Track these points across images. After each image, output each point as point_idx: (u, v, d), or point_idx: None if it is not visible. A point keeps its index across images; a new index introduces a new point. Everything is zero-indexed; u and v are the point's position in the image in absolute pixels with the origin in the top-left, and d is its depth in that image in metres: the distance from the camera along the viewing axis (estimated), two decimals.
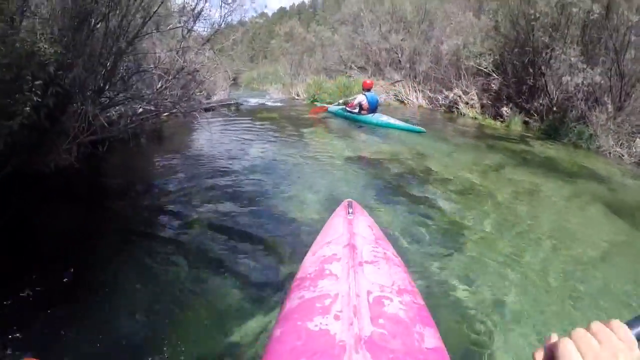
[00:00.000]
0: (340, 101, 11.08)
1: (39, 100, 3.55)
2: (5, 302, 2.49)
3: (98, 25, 4.71)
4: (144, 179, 5.53)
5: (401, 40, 16.58)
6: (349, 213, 2.21)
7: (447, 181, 5.52)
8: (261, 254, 3.33)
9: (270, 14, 55.98)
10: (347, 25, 20.50)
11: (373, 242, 1.95)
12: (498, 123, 11.26)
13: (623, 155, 8.14)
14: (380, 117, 9.63)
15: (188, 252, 3.28)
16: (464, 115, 12.47)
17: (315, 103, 13.00)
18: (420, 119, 12.17)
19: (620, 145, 8.37)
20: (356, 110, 9.93)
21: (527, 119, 10.84)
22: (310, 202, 4.48)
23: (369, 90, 9.88)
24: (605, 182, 6.35)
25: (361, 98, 9.75)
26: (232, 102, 13.34)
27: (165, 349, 2.22)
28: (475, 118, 11.99)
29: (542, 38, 10.18)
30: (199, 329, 2.41)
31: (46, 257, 3.06)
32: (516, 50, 11.60)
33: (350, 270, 1.59)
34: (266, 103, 16.24)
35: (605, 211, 4.97)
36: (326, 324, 1.29)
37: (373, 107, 9.75)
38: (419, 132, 8.91)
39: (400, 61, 16.45)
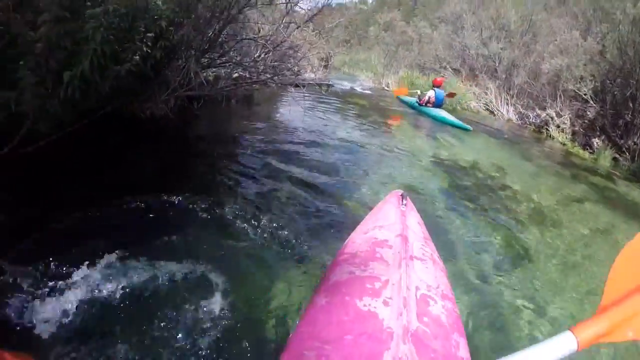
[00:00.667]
0: (418, 93, 12.10)
1: (148, 51, 3.83)
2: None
3: None
4: (229, 137, 6.01)
5: (500, 48, 16.60)
6: (402, 204, 2.23)
7: (520, 201, 5.48)
8: (312, 218, 3.54)
9: (369, 1, 55.97)
10: (447, 24, 20.55)
11: (422, 239, 2.00)
12: (586, 154, 11.25)
13: None
14: (440, 112, 10.63)
15: (250, 204, 3.52)
16: (552, 138, 12.51)
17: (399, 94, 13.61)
18: (507, 132, 12.39)
19: None
20: (423, 103, 11.07)
21: (617, 155, 10.74)
22: (373, 188, 4.64)
23: (438, 87, 11.08)
24: None
25: (430, 93, 10.95)
26: (323, 82, 13.81)
27: (217, 295, 2.26)
28: (564, 144, 12.01)
29: None
30: (248, 279, 2.50)
31: (135, 191, 3.23)
32: (619, 80, 11.46)
33: (402, 262, 1.62)
34: (356, 88, 16.53)
35: None
36: (375, 307, 1.33)
37: (439, 103, 10.87)
38: (466, 129, 9.94)
39: (496, 70, 16.52)
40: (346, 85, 16.68)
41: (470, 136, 9.88)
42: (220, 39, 6.09)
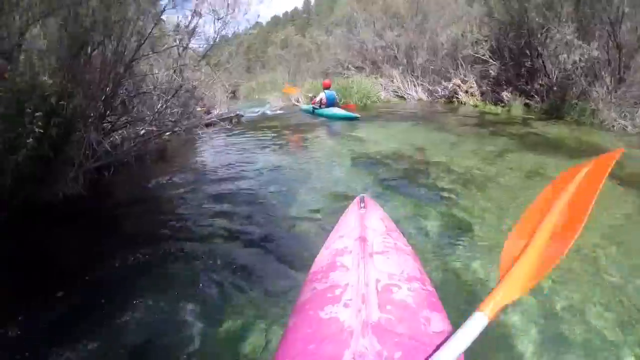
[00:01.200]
0: (310, 95, 13.08)
1: (42, 131, 3.64)
2: (14, 326, 2.51)
3: (94, 52, 4.82)
4: (151, 199, 5.51)
5: (396, 36, 16.59)
6: (360, 207, 2.26)
7: (452, 171, 5.37)
8: (276, 256, 3.31)
9: (264, 22, 55.72)
10: (342, 26, 20.57)
11: (384, 233, 2.00)
12: (499, 108, 11.23)
13: (627, 127, 8.08)
14: (332, 110, 11.03)
15: (203, 265, 3.22)
16: (464, 104, 12.48)
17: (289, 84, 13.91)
18: (420, 111, 12.20)
19: (624, 117, 8.30)
20: (317, 106, 11.48)
21: (528, 101, 10.83)
22: (319, 202, 4.46)
23: (328, 88, 11.62)
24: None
25: (322, 95, 11.40)
26: (232, 115, 13.39)
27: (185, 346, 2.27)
28: (476, 106, 12.00)
29: (537, 19, 10.16)
30: (219, 331, 2.43)
31: (57, 282, 3.03)
32: (511, 34, 11.62)
33: (361, 261, 1.62)
34: (267, 112, 16.16)
35: (614, 185, 4.72)
36: (336, 312, 1.33)
37: (330, 103, 11.24)
38: (354, 118, 10.32)
39: (396, 57, 16.48)
40: (257, 111, 16.32)
41: (386, 125, 9.62)
42: (118, 98, 5.88)
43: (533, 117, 9.76)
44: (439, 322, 1.34)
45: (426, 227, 3.69)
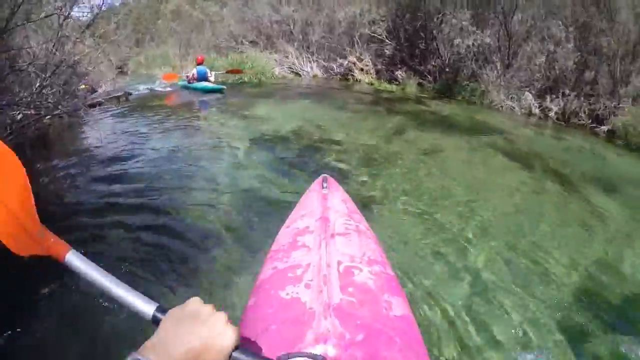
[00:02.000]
0: (184, 76, 12.65)
1: None
2: None
3: None
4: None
5: (292, 11, 15.91)
6: (323, 187, 2.21)
7: (352, 150, 5.12)
8: (171, 248, 2.96)
9: None
10: None
11: (346, 215, 1.96)
12: (394, 86, 11.13)
13: (514, 108, 8.29)
14: (202, 84, 11.38)
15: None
16: (359, 81, 12.22)
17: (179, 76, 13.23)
18: (316, 88, 11.75)
19: (511, 99, 8.51)
20: (190, 81, 11.71)
21: (421, 80, 10.84)
22: (217, 188, 4.01)
23: (200, 64, 11.87)
24: (501, 133, 6.38)
25: (193, 70, 11.77)
26: (120, 94, 12.03)
27: None
28: (371, 83, 11.78)
29: (434, 3, 10.17)
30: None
31: None
32: (408, 15, 11.56)
33: (322, 242, 1.59)
34: (157, 89, 15.01)
35: (503, 159, 5.06)
36: (297, 293, 1.32)
37: (201, 77, 11.55)
38: (219, 89, 10.78)
39: (292, 32, 15.85)
40: (147, 87, 15.00)
41: (283, 102, 9.07)
42: None
43: (427, 96, 9.74)
44: (399, 306, 1.34)
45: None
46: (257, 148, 5.27)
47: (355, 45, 12.68)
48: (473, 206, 3.55)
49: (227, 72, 12.62)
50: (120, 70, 24.94)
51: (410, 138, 5.79)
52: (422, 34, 10.98)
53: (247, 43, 17.08)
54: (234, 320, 1.92)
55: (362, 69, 12.21)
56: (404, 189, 3.86)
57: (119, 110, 9.32)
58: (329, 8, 14.62)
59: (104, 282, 0.82)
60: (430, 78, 10.64)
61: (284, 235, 1.89)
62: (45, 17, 5.90)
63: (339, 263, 1.46)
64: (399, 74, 11.26)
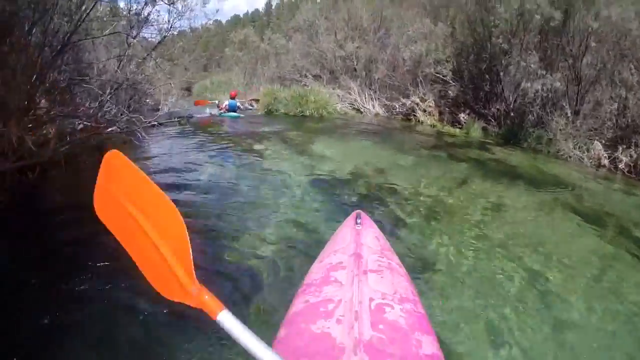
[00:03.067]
0: (217, 102, 15.25)
1: None
2: None
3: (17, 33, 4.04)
4: (81, 207, 4.67)
5: (357, 47, 16.26)
6: (357, 223, 2.25)
7: (414, 200, 5.00)
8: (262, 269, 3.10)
9: (224, 21, 55.77)
10: (302, 32, 20.12)
11: (379, 252, 2.00)
12: (457, 130, 11.09)
13: (583, 159, 8.07)
14: (232, 114, 13.58)
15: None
16: (422, 122, 12.24)
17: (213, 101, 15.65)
18: (377, 127, 11.84)
19: (579, 148, 8.29)
20: (223, 111, 13.89)
21: (485, 125, 10.70)
22: (269, 225, 3.97)
23: (232, 98, 14.18)
24: (569, 187, 6.23)
25: (226, 103, 14.07)
26: (182, 116, 12.77)
27: None
28: (434, 125, 11.79)
29: (502, 44, 10.08)
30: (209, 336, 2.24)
31: None
32: (472, 57, 11.52)
33: (355, 278, 1.62)
34: (216, 114, 15.65)
35: (572, 218, 4.83)
36: (328, 327, 1.34)
37: (232, 109, 13.84)
38: (237, 117, 13.25)
39: (355, 69, 16.17)
40: (209, 112, 15.59)
41: (343, 139, 9.21)
42: (42, 88, 4.82)
43: (491, 141, 9.64)
44: (429, 345, 1.34)
45: None
46: (310, 188, 5.30)
47: (419, 85, 12.75)
48: (543, 275, 3.31)
49: (252, 100, 15.66)
50: (187, 91, 26.06)
51: (473, 190, 5.70)
52: (487, 75, 10.90)
53: (310, 76, 17.58)
54: None
55: (424, 110, 12.24)
56: (464, 249, 3.66)
57: (177, 132, 9.75)
58: (393, 46, 14.85)
59: (255, 346, 0.85)
60: (494, 122, 10.51)
61: (317, 270, 1.93)
62: (111, 34, 6.55)
63: (371, 300, 1.49)
64: (462, 117, 11.22)
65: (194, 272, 0.96)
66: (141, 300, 2.54)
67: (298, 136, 9.50)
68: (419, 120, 12.40)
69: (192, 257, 0.97)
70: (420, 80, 12.79)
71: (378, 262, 1.86)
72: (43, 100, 5.14)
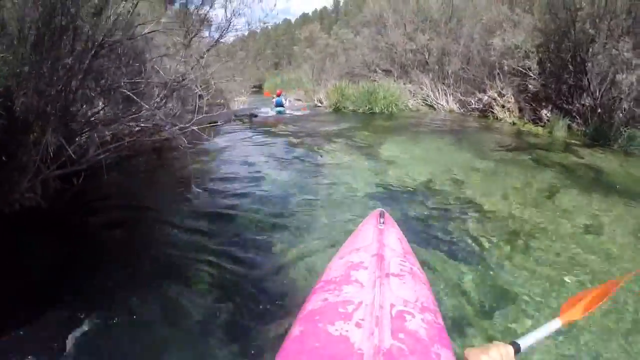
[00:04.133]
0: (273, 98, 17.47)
1: None
2: None
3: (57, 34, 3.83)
4: (139, 208, 4.91)
5: (428, 40, 15.82)
6: (380, 223, 2.22)
7: (492, 215, 4.68)
8: (284, 259, 3.41)
9: (292, 20, 58.23)
10: (370, 26, 19.83)
11: (401, 255, 1.98)
12: (539, 128, 10.47)
13: None
14: (278, 109, 15.55)
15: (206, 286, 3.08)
16: (500, 120, 11.71)
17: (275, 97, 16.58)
18: (451, 125, 11.51)
19: None
20: (273, 106, 15.91)
21: (570, 122, 10.03)
22: (331, 231, 4.04)
23: (279, 96, 16.28)
24: None
25: (274, 100, 16.23)
26: (246, 114, 13.25)
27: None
28: (513, 123, 11.25)
29: (589, 29, 9.35)
30: (215, 333, 2.53)
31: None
32: (553, 45, 10.81)
33: (377, 281, 1.61)
34: (287, 111, 15.90)
35: None
36: (347, 330, 1.31)
37: (278, 105, 15.84)
38: (283, 112, 15.23)
39: (427, 62, 15.75)
40: (269, 111, 16.13)
41: (415, 140, 9.01)
42: (80, 92, 4.71)
43: (577, 142, 9.02)
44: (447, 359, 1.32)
45: (460, 288, 3.13)
46: (375, 197, 5.11)
47: (496, 78, 12.17)
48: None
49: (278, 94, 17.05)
50: (258, 89, 26.80)
51: (561, 204, 5.20)
52: (570, 66, 10.19)
53: (380, 71, 17.39)
54: (273, 347, 1.99)
55: (502, 106, 11.68)
56: (554, 282, 3.25)
57: (241, 130, 10.05)
58: (468, 37, 14.27)
59: None
60: (579, 120, 9.81)
61: (336, 267, 1.89)
62: (158, 31, 6.17)
63: (392, 306, 1.46)
64: (544, 113, 10.59)
65: None
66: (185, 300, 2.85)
67: (366, 136, 9.46)
68: (496, 117, 11.86)
69: None
70: (498, 73, 12.15)
71: (400, 265, 1.84)
72: (100, 104, 5.27)
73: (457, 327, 2.62)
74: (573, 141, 9.10)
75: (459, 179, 6.06)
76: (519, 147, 8.72)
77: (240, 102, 19.12)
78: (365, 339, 1.24)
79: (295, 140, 8.97)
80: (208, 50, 7.76)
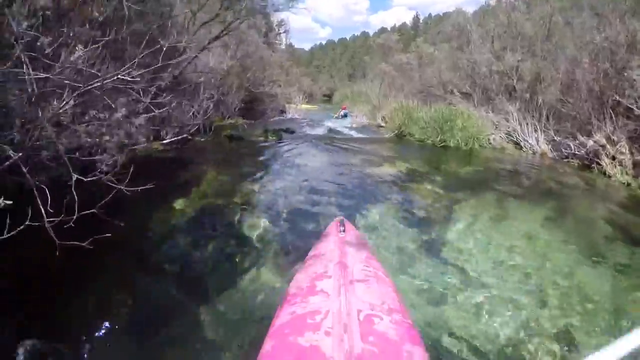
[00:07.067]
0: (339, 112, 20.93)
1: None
2: None
3: None
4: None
5: (518, 60, 12.84)
6: (340, 231, 2.36)
7: None
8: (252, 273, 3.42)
9: (371, 33, 60.06)
10: (451, 41, 17.07)
11: (364, 260, 2.09)
12: None
13: None
14: (343, 120, 18.51)
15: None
16: (608, 176, 8.50)
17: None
18: (546, 179, 8.54)
19: None
20: (337, 116, 19.57)
21: None
22: None
23: (344, 109, 20.53)
24: None
25: (341, 112, 20.30)
26: (282, 127, 13.13)
27: None
28: (628, 184, 8.02)
29: None
30: (189, 342, 2.56)
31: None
32: None
33: (342, 288, 1.70)
34: (339, 130, 14.81)
35: None
36: (316, 340, 1.39)
37: (343, 116, 19.80)
38: (345, 116, 19.91)
39: (515, 88, 12.84)
40: (330, 126, 15.99)
41: (500, 206, 6.33)
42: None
43: None
44: (420, 357, 1.40)
45: None
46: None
47: (606, 118, 9.16)
48: None
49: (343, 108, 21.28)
50: (327, 98, 28.14)
51: None
52: None
53: (458, 94, 14.67)
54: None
55: (613, 157, 8.58)
56: None
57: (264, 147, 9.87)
58: (570, 60, 11.19)
59: None
60: None
61: (302, 279, 1.98)
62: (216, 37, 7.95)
63: (359, 311, 1.55)
64: None
65: None
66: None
67: (429, 193, 6.88)
68: (603, 172, 8.67)
69: None
70: (609, 112, 9.14)
71: (364, 271, 1.92)
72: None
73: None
74: None
75: (564, 305, 3.53)
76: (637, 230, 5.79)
77: (296, 110, 21.41)
78: (336, 347, 1.32)
79: (316, 187, 6.92)
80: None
